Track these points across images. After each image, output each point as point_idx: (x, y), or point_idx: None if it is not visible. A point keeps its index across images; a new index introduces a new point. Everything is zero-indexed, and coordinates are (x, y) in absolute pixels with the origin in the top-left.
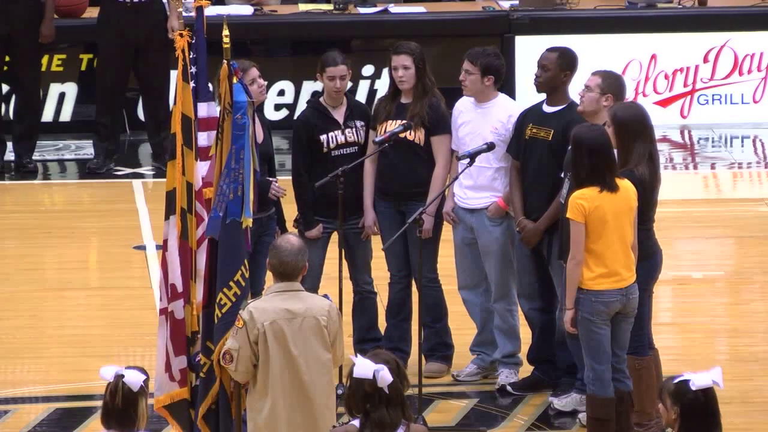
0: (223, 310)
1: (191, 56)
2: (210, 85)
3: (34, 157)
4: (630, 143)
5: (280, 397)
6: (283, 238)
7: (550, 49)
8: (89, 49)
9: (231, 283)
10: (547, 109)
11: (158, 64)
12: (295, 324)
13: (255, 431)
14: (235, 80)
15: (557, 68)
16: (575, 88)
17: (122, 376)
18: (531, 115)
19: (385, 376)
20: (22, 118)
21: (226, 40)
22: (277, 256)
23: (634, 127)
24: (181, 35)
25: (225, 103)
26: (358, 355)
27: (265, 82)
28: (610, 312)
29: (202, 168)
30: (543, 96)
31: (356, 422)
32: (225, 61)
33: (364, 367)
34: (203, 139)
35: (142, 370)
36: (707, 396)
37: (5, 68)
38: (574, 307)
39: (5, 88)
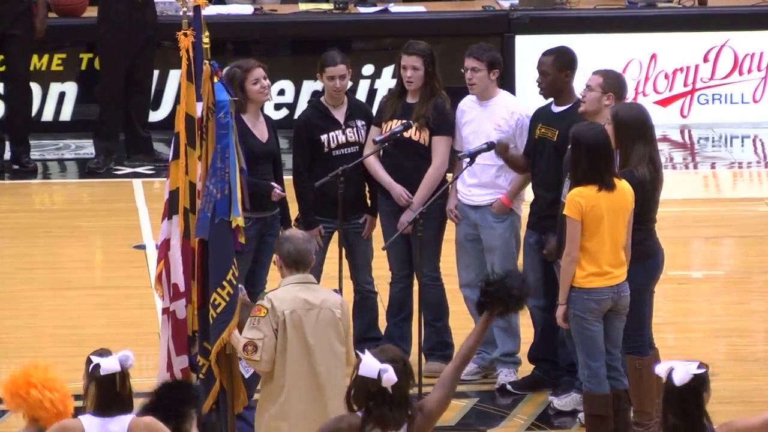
0: (218, 310)
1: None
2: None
3: (33, 157)
4: (630, 144)
5: (295, 387)
6: (290, 230)
7: (546, 53)
8: (90, 49)
9: (224, 283)
10: (555, 109)
11: (149, 62)
12: (313, 315)
13: (269, 421)
14: (215, 79)
15: (556, 70)
16: (577, 89)
17: (126, 360)
18: (541, 114)
19: (390, 378)
20: (16, 116)
21: (206, 40)
22: (294, 244)
23: (635, 128)
24: (185, 35)
25: (208, 103)
26: (366, 351)
27: (269, 83)
28: (602, 309)
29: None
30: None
31: (361, 413)
32: (206, 61)
33: (370, 366)
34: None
35: (109, 351)
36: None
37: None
38: (566, 304)
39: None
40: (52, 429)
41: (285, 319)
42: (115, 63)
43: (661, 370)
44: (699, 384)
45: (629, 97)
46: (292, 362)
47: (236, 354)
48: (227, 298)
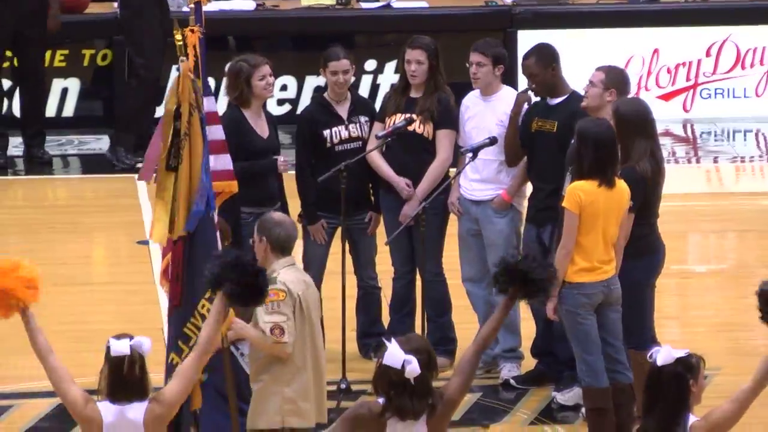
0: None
1: None
2: (210, 79)
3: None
4: (631, 139)
5: (308, 366)
6: (275, 214)
7: (526, 56)
8: (92, 45)
9: None
10: (551, 101)
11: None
12: (310, 294)
13: (283, 404)
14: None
15: (541, 69)
16: (580, 84)
17: (139, 346)
18: (536, 108)
19: (413, 369)
20: (31, 111)
21: (178, 37)
22: (285, 229)
23: (636, 123)
24: (192, 31)
25: (190, 99)
26: (393, 339)
27: (274, 80)
28: (593, 303)
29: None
30: None
31: (382, 400)
32: (184, 59)
33: (394, 355)
34: None
35: (131, 337)
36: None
37: (11, 63)
38: (557, 297)
39: (8, 83)
40: (75, 417)
41: (300, 301)
42: (154, 58)
43: (648, 354)
44: (684, 369)
45: (632, 92)
46: (305, 342)
47: (227, 347)
48: None
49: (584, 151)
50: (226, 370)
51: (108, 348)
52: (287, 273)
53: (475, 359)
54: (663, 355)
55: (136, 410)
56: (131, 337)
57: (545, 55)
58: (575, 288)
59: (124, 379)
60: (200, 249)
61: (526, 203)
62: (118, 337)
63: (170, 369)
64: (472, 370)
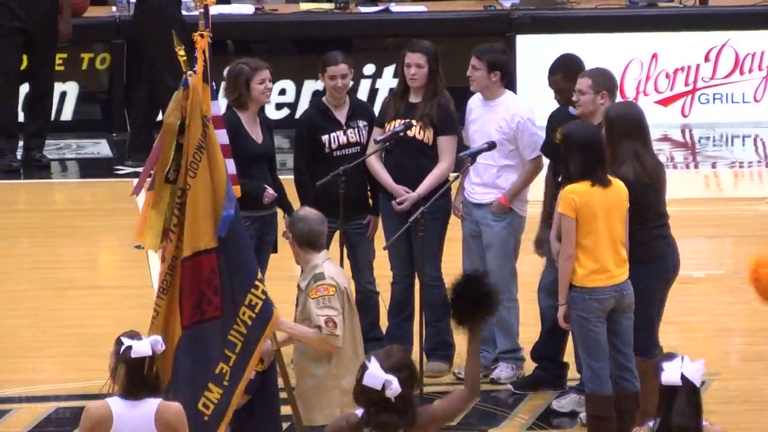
0: (256, 310)
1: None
2: (215, 84)
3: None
4: (618, 142)
5: (360, 355)
6: (300, 210)
7: (552, 71)
8: (91, 48)
9: (257, 282)
10: (573, 111)
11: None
12: (349, 286)
13: (341, 397)
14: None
15: (568, 84)
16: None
17: (156, 344)
18: (559, 117)
19: (394, 390)
20: (35, 113)
21: (181, 52)
22: (308, 224)
23: (625, 127)
24: (201, 35)
25: (203, 112)
26: (372, 357)
27: (272, 86)
28: (605, 309)
29: None
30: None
31: (359, 412)
32: (192, 72)
33: (374, 376)
34: None
35: (139, 334)
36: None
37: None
38: (566, 304)
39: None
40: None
41: (347, 294)
42: (172, 63)
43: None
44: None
45: (631, 97)
46: (355, 334)
47: (278, 349)
48: (263, 296)
49: (570, 153)
50: (281, 370)
51: (127, 349)
52: (330, 267)
53: (464, 405)
54: (670, 373)
55: (148, 406)
56: (139, 336)
57: (571, 69)
58: (587, 293)
59: (143, 378)
60: (237, 255)
61: (527, 208)
62: (130, 336)
63: (220, 378)
64: (459, 408)
